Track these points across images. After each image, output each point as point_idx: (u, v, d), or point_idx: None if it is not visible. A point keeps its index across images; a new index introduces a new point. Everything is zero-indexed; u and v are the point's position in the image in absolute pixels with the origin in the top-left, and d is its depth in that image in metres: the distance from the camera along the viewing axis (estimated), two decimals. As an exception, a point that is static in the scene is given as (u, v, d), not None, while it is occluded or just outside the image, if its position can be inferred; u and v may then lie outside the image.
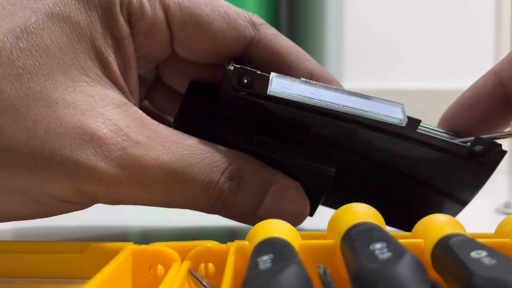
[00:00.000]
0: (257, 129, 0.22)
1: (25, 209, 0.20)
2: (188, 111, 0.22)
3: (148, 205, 0.21)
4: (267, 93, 0.20)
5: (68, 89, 0.19)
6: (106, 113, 0.19)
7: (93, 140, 0.18)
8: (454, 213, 0.26)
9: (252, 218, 0.22)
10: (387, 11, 1.15)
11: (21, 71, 0.18)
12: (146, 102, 0.27)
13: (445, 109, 0.25)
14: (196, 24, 0.21)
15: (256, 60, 0.22)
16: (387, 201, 0.25)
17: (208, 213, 0.21)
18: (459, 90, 0.24)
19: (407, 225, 0.26)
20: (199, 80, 0.24)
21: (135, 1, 0.20)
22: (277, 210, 0.22)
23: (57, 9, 0.19)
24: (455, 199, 0.25)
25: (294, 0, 1.55)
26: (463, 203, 0.25)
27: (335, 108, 0.20)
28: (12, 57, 0.18)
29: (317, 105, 0.20)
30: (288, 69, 0.22)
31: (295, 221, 0.22)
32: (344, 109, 0.20)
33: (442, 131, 0.23)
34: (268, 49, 0.22)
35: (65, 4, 0.19)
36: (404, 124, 0.20)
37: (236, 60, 0.22)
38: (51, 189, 0.19)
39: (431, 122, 0.23)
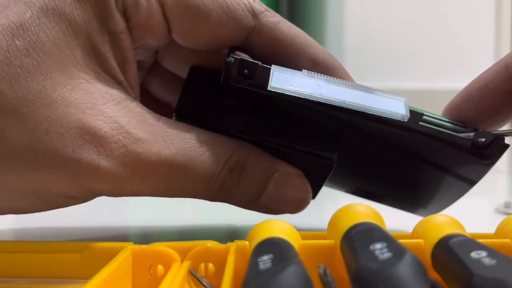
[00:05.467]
0: (258, 118, 0.22)
1: (31, 206, 0.20)
2: (188, 101, 0.22)
3: (149, 196, 0.21)
4: (268, 88, 0.20)
5: (68, 87, 0.19)
6: (106, 111, 0.19)
7: (95, 139, 0.18)
8: (445, 203, 0.26)
9: (255, 205, 0.22)
10: (387, 11, 1.15)
11: (19, 70, 0.18)
12: (143, 86, 0.26)
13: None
14: (194, 16, 0.21)
15: (258, 49, 0.22)
16: (387, 182, 0.26)
17: (210, 201, 0.22)
18: (458, 90, 0.24)
19: (404, 205, 0.28)
20: (200, 65, 0.23)
21: None
22: (279, 197, 0.22)
23: (52, 3, 0.19)
24: (451, 189, 0.25)
25: (294, 1, 1.55)
26: (460, 194, 0.26)
27: (336, 104, 0.20)
28: (9, 55, 0.18)
29: (318, 101, 0.20)
30: (290, 58, 0.22)
31: (298, 207, 0.22)
32: (346, 105, 0.20)
33: (447, 120, 0.23)
34: (269, 39, 0.22)
35: None
36: (406, 120, 0.20)
37: (237, 48, 0.22)
38: (56, 187, 0.19)
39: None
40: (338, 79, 0.21)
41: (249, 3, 0.21)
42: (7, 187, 0.19)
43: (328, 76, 0.21)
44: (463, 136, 0.22)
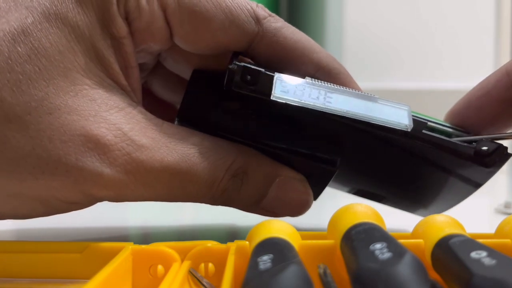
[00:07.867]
0: (260, 123, 0.22)
1: (33, 212, 0.20)
2: (190, 105, 0.22)
3: (151, 201, 0.21)
4: (271, 98, 0.20)
5: (70, 93, 0.18)
6: (109, 118, 0.19)
7: (98, 147, 0.18)
8: (447, 205, 0.27)
9: (257, 208, 0.22)
10: (387, 12, 1.15)
11: (21, 77, 0.18)
12: (145, 86, 0.26)
13: (445, 108, 0.24)
14: (196, 21, 0.21)
15: (261, 54, 0.22)
16: (389, 184, 0.26)
17: (212, 205, 0.22)
18: (458, 90, 0.24)
19: (405, 206, 0.28)
20: (202, 68, 0.23)
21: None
22: (281, 201, 0.22)
23: (54, 8, 0.19)
24: (453, 194, 0.25)
25: (294, 2, 1.55)
26: (463, 196, 0.26)
27: (339, 113, 0.20)
28: (10, 62, 0.17)
29: (321, 110, 0.20)
30: (294, 63, 0.22)
31: (299, 211, 0.23)
32: (349, 115, 0.20)
33: (450, 126, 0.23)
34: (272, 44, 0.21)
35: (61, 4, 0.19)
36: (409, 129, 0.20)
37: (240, 53, 0.22)
38: (59, 194, 0.19)
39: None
40: (341, 87, 0.21)
41: (252, 9, 0.21)
42: (10, 194, 0.19)
43: (331, 84, 0.21)
44: (466, 144, 0.22)
